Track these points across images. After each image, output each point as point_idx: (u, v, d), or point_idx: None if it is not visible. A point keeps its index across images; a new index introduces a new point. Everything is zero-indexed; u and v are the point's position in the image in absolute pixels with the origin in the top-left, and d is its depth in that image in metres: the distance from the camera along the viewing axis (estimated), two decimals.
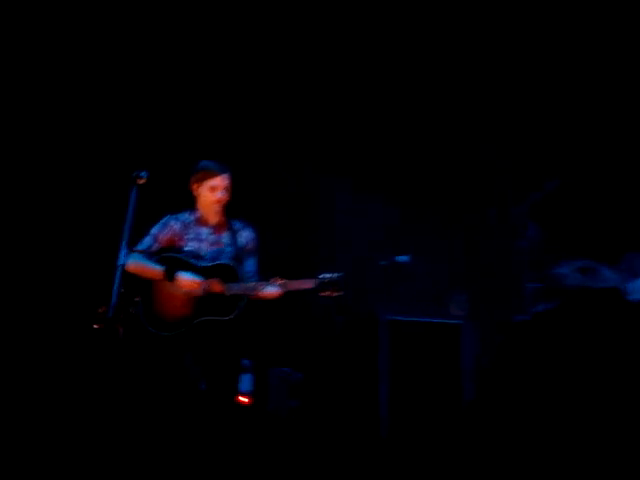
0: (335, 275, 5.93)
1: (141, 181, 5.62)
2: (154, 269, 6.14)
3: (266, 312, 6.82)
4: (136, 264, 6.14)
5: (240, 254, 6.31)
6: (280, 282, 5.97)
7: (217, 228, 6.35)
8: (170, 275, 6.09)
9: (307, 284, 5.98)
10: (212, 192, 6.29)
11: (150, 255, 6.24)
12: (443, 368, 7.44)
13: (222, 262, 6.20)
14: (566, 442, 5.29)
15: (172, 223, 6.34)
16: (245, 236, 6.40)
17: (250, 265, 6.35)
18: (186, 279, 6.07)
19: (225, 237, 6.33)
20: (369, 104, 8.33)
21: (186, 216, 6.38)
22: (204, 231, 6.34)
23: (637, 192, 7.93)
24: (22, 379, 7.51)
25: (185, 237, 6.31)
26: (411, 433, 7.14)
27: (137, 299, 6.14)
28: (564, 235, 7.99)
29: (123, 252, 5.42)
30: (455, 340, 7.44)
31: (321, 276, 5.96)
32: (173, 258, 6.22)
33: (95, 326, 5.53)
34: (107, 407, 6.66)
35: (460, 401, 7.25)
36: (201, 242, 6.30)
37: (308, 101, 8.37)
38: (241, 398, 7.14)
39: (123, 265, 5.40)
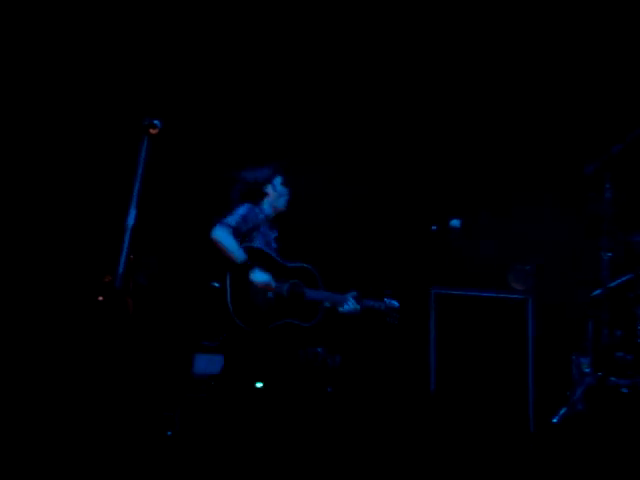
0: (396, 303, 6.46)
1: (154, 131, 5.31)
2: (234, 253, 6.15)
3: None
4: (225, 238, 6.14)
5: None
6: (357, 298, 6.37)
7: (274, 231, 6.59)
8: (247, 267, 6.14)
9: (379, 306, 6.46)
10: (284, 187, 6.59)
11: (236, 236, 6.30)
12: (502, 348, 7.32)
13: (305, 265, 6.43)
14: None
15: (257, 213, 6.44)
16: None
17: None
18: (259, 280, 6.16)
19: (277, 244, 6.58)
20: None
21: (257, 211, 6.46)
22: (269, 232, 6.52)
23: None
24: (18, 363, 7.28)
25: (256, 233, 6.42)
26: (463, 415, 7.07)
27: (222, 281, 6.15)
28: None
29: (133, 212, 5.18)
30: (520, 317, 7.25)
31: (387, 301, 6.47)
32: (259, 251, 6.31)
33: (100, 298, 5.33)
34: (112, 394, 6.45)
35: (526, 381, 7.16)
36: (268, 243, 6.47)
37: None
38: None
39: (133, 227, 5.18)
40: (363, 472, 5.89)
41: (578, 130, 7.98)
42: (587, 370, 6.70)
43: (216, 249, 6.08)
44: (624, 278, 6.85)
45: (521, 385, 7.10)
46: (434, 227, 7.13)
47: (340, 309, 6.34)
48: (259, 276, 6.13)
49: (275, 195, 6.52)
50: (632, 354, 6.55)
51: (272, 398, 6.08)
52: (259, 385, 6.16)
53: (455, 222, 6.89)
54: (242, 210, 6.31)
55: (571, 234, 7.63)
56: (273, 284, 6.15)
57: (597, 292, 6.79)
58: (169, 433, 6.56)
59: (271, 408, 6.14)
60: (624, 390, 6.42)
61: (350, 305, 6.32)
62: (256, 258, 6.22)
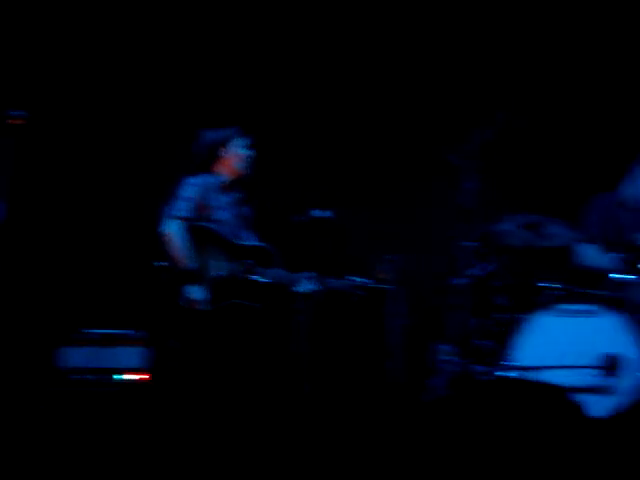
0: (365, 280, 6.54)
1: (16, 122, 5.30)
2: (182, 259, 6.05)
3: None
4: (172, 240, 6.07)
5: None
6: (317, 278, 6.42)
7: (233, 195, 6.50)
8: (186, 278, 6.04)
9: (343, 286, 6.51)
10: (243, 150, 6.50)
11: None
12: (365, 335, 7.44)
13: (261, 245, 6.43)
14: None
15: (203, 187, 6.31)
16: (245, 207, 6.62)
17: (252, 239, 6.52)
18: (192, 297, 6.05)
19: (240, 207, 6.51)
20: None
21: (208, 179, 6.35)
22: (225, 199, 6.42)
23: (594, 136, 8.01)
24: None
25: (210, 205, 6.32)
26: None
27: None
28: (507, 186, 7.96)
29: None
30: (385, 306, 7.30)
31: (353, 279, 6.53)
32: (208, 232, 6.22)
33: None
34: None
35: (383, 370, 7.25)
36: (225, 212, 6.37)
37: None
38: (139, 376, 7.13)
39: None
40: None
41: (442, 119, 8.12)
42: (448, 358, 6.87)
43: (163, 242, 6.05)
44: (485, 267, 7.04)
45: (381, 373, 7.22)
46: (300, 218, 7.18)
47: (297, 289, 6.37)
48: (195, 292, 6.07)
49: (233, 159, 6.47)
50: (491, 342, 6.75)
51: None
52: None
53: (322, 213, 6.94)
54: (190, 191, 6.21)
55: (436, 223, 7.75)
56: (203, 307, 6.03)
57: (459, 281, 6.97)
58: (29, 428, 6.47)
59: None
60: (484, 377, 6.62)
61: (308, 285, 6.35)
62: (206, 239, 6.16)
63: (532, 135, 8.06)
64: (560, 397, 5.83)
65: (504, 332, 6.68)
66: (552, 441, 5.31)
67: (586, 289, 6.71)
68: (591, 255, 7.10)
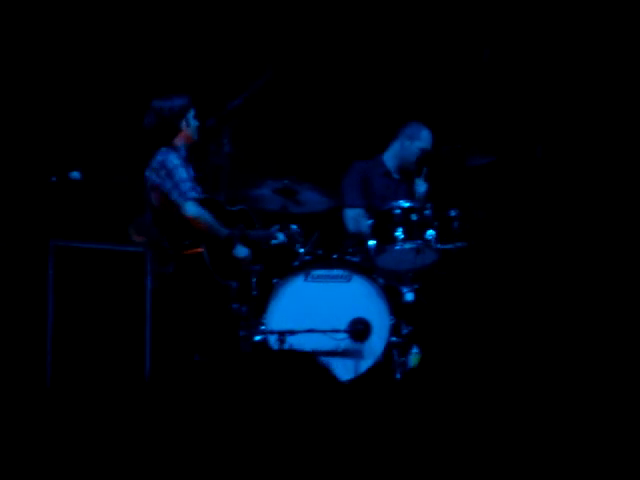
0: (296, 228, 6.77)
1: None
2: (218, 230, 6.35)
3: None
4: (204, 219, 6.29)
5: None
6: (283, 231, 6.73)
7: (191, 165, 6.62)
8: (231, 242, 6.39)
9: (294, 233, 6.75)
10: (196, 120, 6.57)
11: None
12: (122, 302, 7.28)
13: (243, 207, 6.70)
14: None
15: (184, 163, 6.44)
16: None
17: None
18: (242, 256, 6.44)
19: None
20: None
21: (177, 154, 6.48)
22: (190, 169, 6.51)
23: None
24: None
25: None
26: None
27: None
28: (263, 150, 8.02)
29: None
30: (140, 270, 7.26)
31: (292, 227, 6.76)
32: (213, 201, 6.50)
33: None
34: None
35: (143, 335, 7.18)
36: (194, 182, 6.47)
37: None
38: None
39: None
40: None
41: (200, 82, 8.05)
42: None
43: (194, 226, 6.25)
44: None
45: (140, 340, 7.19)
46: (53, 178, 7.07)
47: (274, 242, 6.66)
48: (242, 251, 6.42)
49: (189, 130, 6.51)
50: (247, 306, 6.81)
51: None
52: None
53: (75, 174, 6.85)
54: (182, 171, 6.31)
55: None
56: (250, 257, 6.44)
57: None
58: None
59: None
60: (242, 343, 6.69)
61: (281, 237, 6.65)
62: (211, 208, 6.37)
63: (290, 97, 8.13)
64: (309, 362, 5.91)
65: (258, 297, 6.76)
66: (304, 405, 5.38)
67: (339, 255, 6.85)
68: (347, 221, 7.29)
